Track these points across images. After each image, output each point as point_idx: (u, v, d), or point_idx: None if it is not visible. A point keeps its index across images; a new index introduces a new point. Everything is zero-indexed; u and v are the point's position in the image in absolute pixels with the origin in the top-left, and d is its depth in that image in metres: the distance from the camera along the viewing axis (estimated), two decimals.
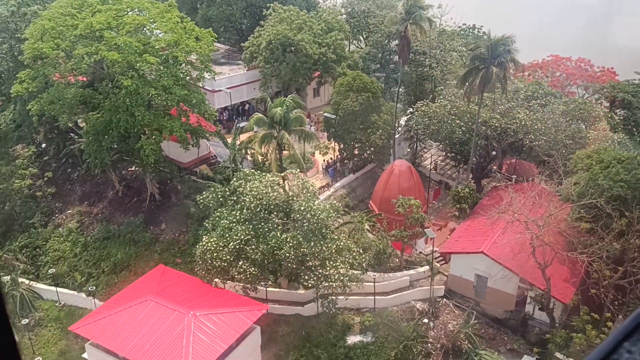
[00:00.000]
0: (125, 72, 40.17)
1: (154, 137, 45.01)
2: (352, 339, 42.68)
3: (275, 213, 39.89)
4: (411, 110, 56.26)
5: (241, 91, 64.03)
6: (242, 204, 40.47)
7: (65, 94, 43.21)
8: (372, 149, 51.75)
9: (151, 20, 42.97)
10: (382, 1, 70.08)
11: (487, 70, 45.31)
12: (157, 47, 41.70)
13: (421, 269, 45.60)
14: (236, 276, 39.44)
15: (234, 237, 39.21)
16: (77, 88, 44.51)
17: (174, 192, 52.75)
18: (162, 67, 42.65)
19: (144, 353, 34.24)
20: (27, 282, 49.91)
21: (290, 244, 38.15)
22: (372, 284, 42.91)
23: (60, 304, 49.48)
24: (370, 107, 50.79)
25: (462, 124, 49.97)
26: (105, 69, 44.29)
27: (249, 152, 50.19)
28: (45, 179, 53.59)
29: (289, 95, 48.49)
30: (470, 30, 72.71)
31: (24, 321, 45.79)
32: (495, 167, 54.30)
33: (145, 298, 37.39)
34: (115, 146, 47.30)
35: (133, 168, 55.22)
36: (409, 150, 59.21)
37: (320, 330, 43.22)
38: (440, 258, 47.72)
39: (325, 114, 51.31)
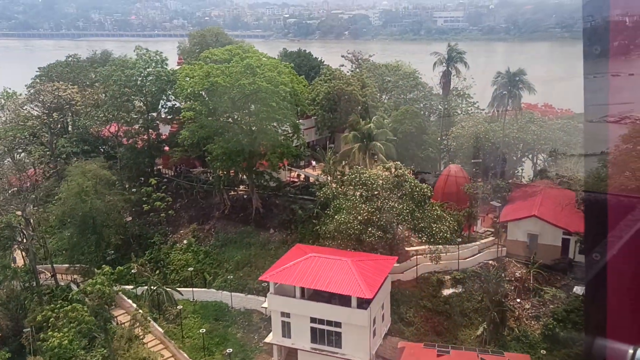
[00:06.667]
0: (268, 98, 54.68)
1: (275, 154, 58.77)
2: (447, 292, 55.84)
3: (389, 191, 54.02)
4: (444, 133, 73.04)
5: None
6: (361, 188, 54.36)
7: (208, 122, 56.88)
8: (424, 163, 67.57)
9: (276, 65, 58.37)
10: (394, 67, 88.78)
11: (510, 93, 63.24)
12: (284, 81, 56.73)
13: (484, 240, 60.27)
14: (366, 240, 52.36)
15: (361, 211, 52.72)
16: (214, 119, 58.22)
17: (273, 205, 65.40)
18: (286, 97, 57.32)
19: (328, 284, 46.02)
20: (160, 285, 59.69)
21: (407, 210, 52.15)
22: (456, 251, 56.92)
23: (193, 300, 59.32)
24: (422, 130, 67.17)
25: (490, 138, 67.06)
26: (235, 103, 58.55)
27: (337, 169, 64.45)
28: (166, 203, 64.68)
29: (374, 117, 64.21)
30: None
31: (179, 307, 55.68)
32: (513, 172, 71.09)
33: (308, 255, 49.42)
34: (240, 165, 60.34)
35: (233, 192, 67.81)
36: (441, 169, 75.32)
37: (420, 288, 56.16)
38: (491, 234, 62.61)
39: (387, 137, 66.91)
